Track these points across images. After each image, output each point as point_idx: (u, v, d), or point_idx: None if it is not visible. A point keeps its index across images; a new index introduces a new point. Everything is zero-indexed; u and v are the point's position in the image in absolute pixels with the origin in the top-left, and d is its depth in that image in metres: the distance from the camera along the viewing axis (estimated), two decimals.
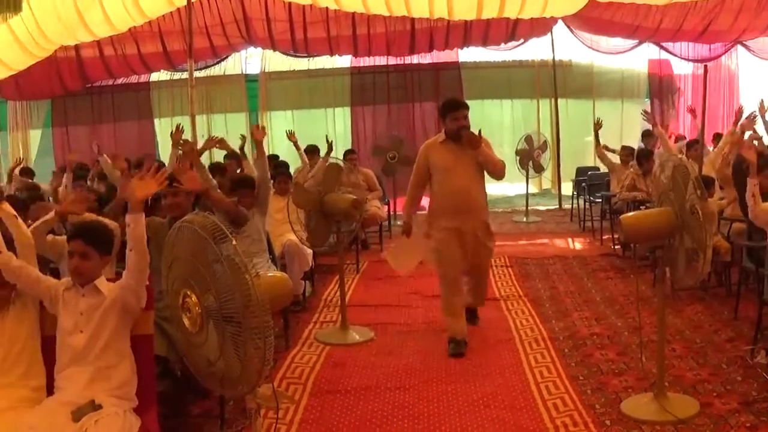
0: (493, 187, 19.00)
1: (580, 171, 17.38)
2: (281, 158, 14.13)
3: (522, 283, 11.19)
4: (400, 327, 9.38)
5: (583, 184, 16.05)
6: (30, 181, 14.04)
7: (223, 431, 6.44)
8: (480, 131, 8.29)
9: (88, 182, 12.32)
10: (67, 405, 4.84)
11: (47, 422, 4.67)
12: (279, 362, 8.05)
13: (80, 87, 19.29)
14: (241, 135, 14.20)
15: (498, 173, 8.56)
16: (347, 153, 15.60)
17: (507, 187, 19.25)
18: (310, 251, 10.22)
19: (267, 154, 9.93)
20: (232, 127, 18.84)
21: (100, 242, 5.20)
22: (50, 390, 5.22)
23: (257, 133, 9.11)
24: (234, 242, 4.16)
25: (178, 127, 10.91)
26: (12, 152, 19.65)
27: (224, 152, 12.93)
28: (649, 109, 17.94)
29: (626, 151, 14.53)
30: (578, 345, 8.34)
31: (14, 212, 5.75)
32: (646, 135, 15.97)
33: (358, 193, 9.81)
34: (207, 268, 4.27)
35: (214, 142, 11.84)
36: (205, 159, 12.17)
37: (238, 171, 11.75)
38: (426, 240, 8.76)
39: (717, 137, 14.55)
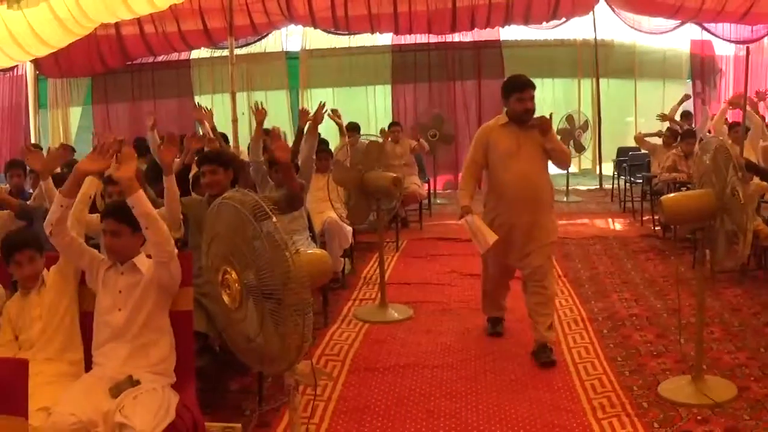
0: None
1: (621, 151, 17.28)
2: (321, 136, 14.14)
3: (562, 264, 11.14)
4: (439, 305, 9.39)
5: (624, 164, 15.96)
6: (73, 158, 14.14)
7: (261, 407, 6.48)
8: (551, 114, 7.74)
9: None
10: (105, 381, 4.89)
11: (85, 398, 4.71)
12: (318, 339, 8.11)
13: (120, 64, 19.45)
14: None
15: (566, 162, 8.07)
16: (391, 125, 15.65)
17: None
18: (349, 229, 10.22)
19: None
20: (272, 105, 18.88)
21: (131, 219, 5.17)
22: (88, 365, 5.26)
23: (319, 113, 9.07)
24: (274, 219, 4.16)
25: (196, 105, 11.00)
26: (52, 129, 19.79)
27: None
28: (690, 91, 17.93)
29: (669, 133, 14.42)
30: (617, 326, 8.33)
31: (92, 194, 5.82)
32: (685, 116, 15.88)
33: (399, 171, 9.77)
34: (247, 245, 4.28)
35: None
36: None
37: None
38: (485, 224, 7.68)
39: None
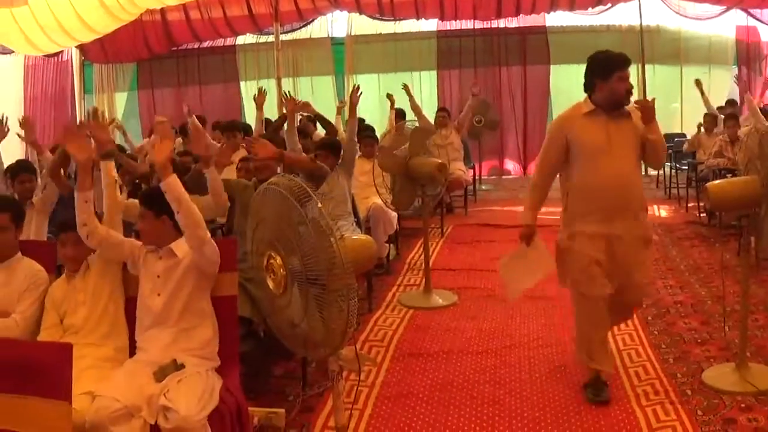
0: None
1: (667, 137, 17.02)
2: (366, 122, 14.14)
3: None
4: (483, 291, 9.38)
5: (670, 150, 15.78)
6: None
7: (304, 392, 6.53)
8: (654, 100, 6.24)
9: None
10: (149, 365, 4.93)
11: (129, 383, 4.75)
12: (362, 325, 8.15)
13: (166, 50, 19.58)
14: (341, 100, 14.06)
15: (664, 158, 6.73)
16: (439, 110, 15.56)
17: None
18: (394, 214, 10.25)
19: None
20: (318, 91, 18.93)
21: (154, 203, 5.24)
22: (132, 351, 5.31)
23: (354, 96, 9.09)
24: (319, 204, 4.17)
25: (260, 89, 11.05)
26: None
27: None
28: (736, 75, 17.78)
29: (709, 119, 14.31)
30: (662, 313, 8.27)
31: (116, 175, 5.86)
32: (730, 104, 15.74)
33: (444, 156, 9.74)
34: (292, 230, 4.29)
35: (300, 105, 11.82)
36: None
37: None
38: (546, 248, 6.54)
39: None
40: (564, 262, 6.41)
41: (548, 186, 6.51)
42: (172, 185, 5.02)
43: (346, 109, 9.71)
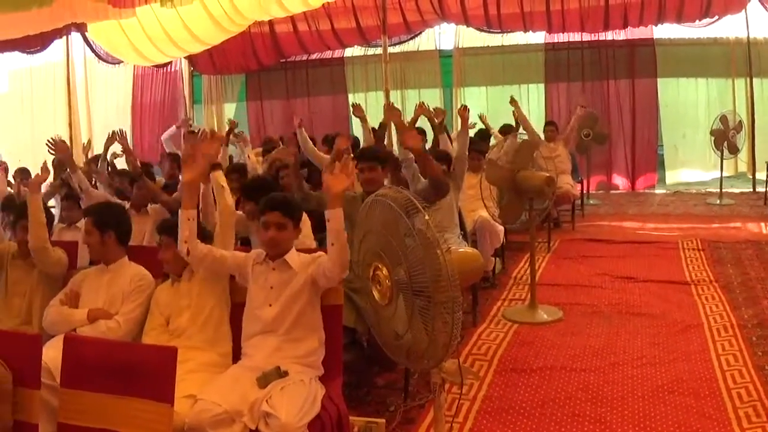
0: (686, 174, 18.66)
1: None
2: (472, 135, 14.10)
3: (713, 268, 10.81)
4: (588, 307, 9.25)
5: None
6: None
7: (406, 404, 6.52)
8: None
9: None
10: (253, 371, 4.98)
11: (231, 388, 4.82)
12: (466, 338, 8.10)
13: (275, 62, 19.84)
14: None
15: None
16: (547, 124, 15.47)
17: (700, 174, 18.83)
18: (501, 228, 10.20)
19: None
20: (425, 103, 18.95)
21: (295, 214, 5.36)
22: (236, 357, 5.40)
23: (463, 112, 9.12)
24: (426, 216, 4.17)
25: (353, 104, 11.28)
26: (206, 125, 20.21)
27: None
28: None
29: None
30: (766, 334, 8.09)
31: (225, 182, 5.97)
32: None
33: (552, 170, 9.69)
34: (399, 242, 4.30)
35: (430, 112, 11.88)
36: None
37: None
38: None
39: None
40: None
41: None
42: (338, 217, 5.01)
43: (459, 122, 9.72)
